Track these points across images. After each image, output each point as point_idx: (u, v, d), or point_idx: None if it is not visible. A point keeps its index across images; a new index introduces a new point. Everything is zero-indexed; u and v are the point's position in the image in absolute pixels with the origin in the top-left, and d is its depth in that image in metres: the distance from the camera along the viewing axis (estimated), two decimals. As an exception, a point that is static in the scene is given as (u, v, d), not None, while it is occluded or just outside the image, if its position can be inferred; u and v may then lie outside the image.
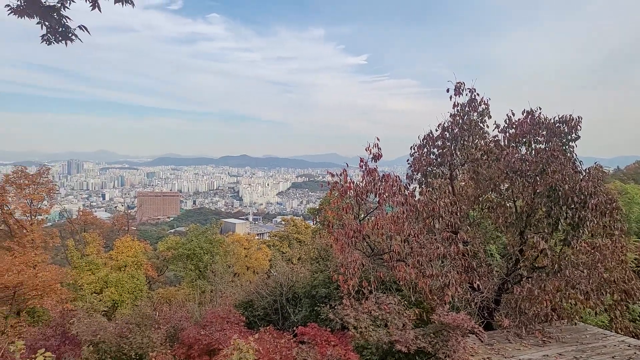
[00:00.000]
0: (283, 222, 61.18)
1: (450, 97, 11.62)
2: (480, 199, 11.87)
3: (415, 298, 9.90)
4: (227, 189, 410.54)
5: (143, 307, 12.55)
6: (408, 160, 12.10)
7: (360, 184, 10.24)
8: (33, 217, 31.40)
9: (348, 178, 10.09)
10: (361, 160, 10.07)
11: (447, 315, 7.74)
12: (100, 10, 5.34)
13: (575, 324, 10.35)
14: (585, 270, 9.44)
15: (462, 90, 11.56)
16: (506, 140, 11.36)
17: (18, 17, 5.19)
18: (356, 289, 9.20)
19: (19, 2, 5.19)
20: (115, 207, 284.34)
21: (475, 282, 10.25)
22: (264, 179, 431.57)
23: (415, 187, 11.81)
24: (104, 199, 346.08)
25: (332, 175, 10.37)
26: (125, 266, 31.65)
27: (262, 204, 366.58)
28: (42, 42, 5.64)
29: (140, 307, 12.80)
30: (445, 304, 8.88)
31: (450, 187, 11.30)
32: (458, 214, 10.62)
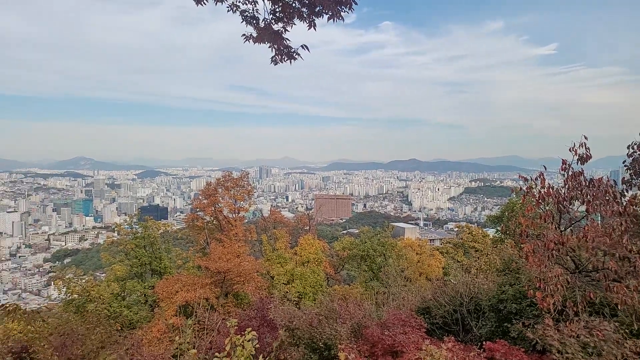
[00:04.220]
0: (456, 229, 58.34)
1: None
2: None
3: (639, 327, 8.18)
4: (395, 193, 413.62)
5: (329, 301, 13.58)
6: (624, 162, 10.13)
7: (562, 189, 9.00)
8: (236, 214, 37.37)
9: (546, 182, 8.98)
10: (563, 162, 8.83)
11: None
12: (315, 30, 6.07)
13: None
14: None
15: None
16: None
17: (253, 43, 6.31)
18: (558, 308, 8.10)
19: (253, 32, 6.28)
20: (296, 207, 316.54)
21: None
22: (434, 184, 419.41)
23: (636, 194, 9.78)
24: (287, 200, 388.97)
25: (526, 180, 9.38)
26: (308, 262, 34.79)
27: (432, 209, 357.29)
28: (270, 63, 6.73)
29: (326, 301, 13.86)
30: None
31: (688, 195, 9.00)
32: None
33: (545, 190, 8.93)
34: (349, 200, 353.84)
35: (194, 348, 8.47)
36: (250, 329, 6.63)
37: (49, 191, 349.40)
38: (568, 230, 9.21)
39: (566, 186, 8.91)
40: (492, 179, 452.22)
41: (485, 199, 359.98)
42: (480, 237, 44.03)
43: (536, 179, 9.17)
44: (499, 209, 46.47)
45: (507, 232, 29.62)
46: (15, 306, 10.64)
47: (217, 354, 6.10)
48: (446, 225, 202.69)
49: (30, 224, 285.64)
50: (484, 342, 9.08)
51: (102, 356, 10.30)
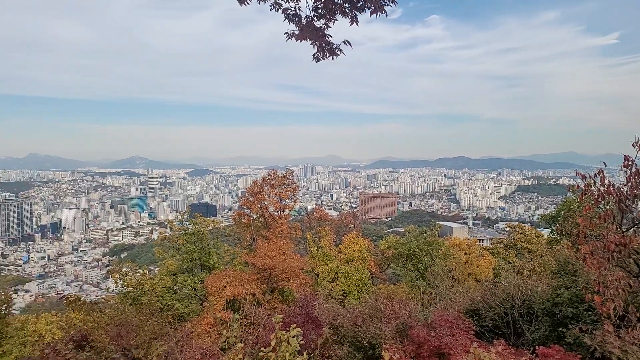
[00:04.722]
0: (507, 229, 55.97)
1: None
2: None
3: None
4: (443, 191, 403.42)
5: (373, 300, 13.48)
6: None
7: (624, 187, 8.40)
8: (281, 212, 37.91)
9: (606, 180, 8.42)
10: (626, 159, 8.22)
11: None
12: (357, 25, 6.05)
13: None
14: None
15: None
16: None
17: (296, 40, 6.39)
18: (618, 313, 7.58)
19: (295, 30, 6.37)
20: (341, 206, 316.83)
21: None
22: (484, 182, 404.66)
23: None
24: (331, 198, 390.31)
25: (584, 177, 8.83)
26: (352, 260, 34.70)
27: (481, 208, 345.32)
28: (312, 59, 6.79)
29: (371, 299, 13.77)
30: None
31: None
32: None
33: (606, 188, 8.37)
34: (394, 198, 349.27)
35: (241, 342, 8.71)
36: (295, 325, 6.71)
37: (107, 189, 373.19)
38: (631, 231, 8.58)
39: (629, 184, 8.31)
40: (547, 176, 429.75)
41: (540, 197, 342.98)
42: (533, 238, 42.00)
43: (595, 176, 8.61)
44: (554, 208, 44.28)
45: (563, 233, 28.13)
46: (75, 297, 11.47)
47: (263, 348, 6.25)
48: (497, 225, 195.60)
49: (90, 220, 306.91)
50: (536, 347, 8.68)
51: (154, 347, 10.83)
